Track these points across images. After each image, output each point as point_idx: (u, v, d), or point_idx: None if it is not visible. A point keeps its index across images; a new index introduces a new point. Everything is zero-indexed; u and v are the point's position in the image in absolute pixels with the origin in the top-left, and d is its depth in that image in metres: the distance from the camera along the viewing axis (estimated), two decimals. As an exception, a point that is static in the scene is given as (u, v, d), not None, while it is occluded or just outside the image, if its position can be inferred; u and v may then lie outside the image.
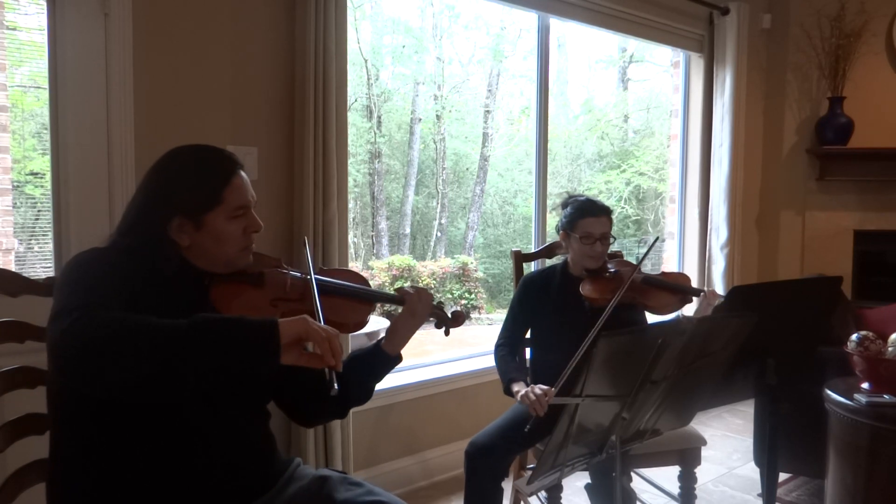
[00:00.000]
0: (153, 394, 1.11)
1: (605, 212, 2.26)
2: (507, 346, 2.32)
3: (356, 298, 1.49)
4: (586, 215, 2.24)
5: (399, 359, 1.55)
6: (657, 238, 2.45)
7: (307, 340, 1.12)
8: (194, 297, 1.34)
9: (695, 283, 4.17)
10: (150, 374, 1.06)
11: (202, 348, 1.07)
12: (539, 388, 1.97)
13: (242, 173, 1.37)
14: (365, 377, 1.53)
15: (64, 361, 1.07)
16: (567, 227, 2.28)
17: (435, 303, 1.57)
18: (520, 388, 2.08)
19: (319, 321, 1.26)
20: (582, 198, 2.31)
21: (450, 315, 1.60)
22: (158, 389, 1.09)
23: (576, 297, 2.23)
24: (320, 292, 1.41)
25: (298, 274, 1.47)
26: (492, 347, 2.37)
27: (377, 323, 6.27)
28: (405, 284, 1.59)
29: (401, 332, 1.52)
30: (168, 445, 1.26)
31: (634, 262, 2.40)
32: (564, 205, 2.34)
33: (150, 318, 1.09)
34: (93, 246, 1.33)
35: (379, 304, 1.64)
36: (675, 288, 2.29)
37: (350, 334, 2.61)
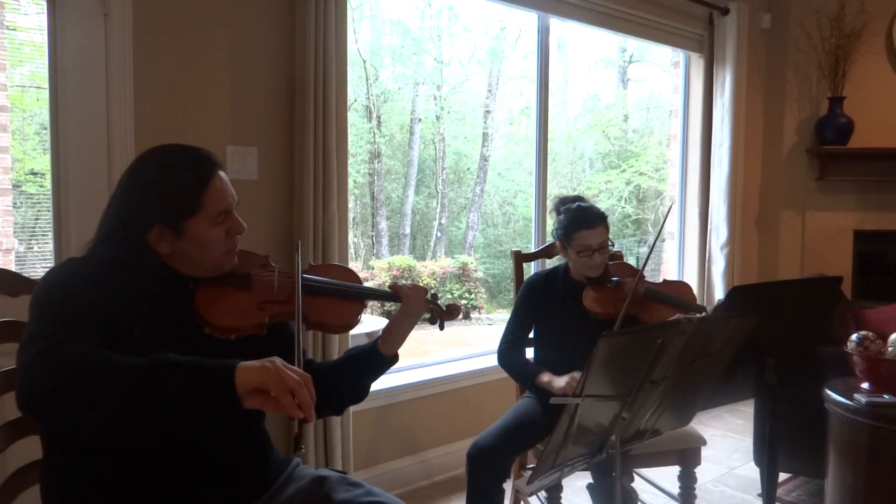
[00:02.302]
0: (113, 435, 1.07)
1: (600, 220, 2.17)
2: (512, 347, 2.30)
3: (346, 297, 1.44)
4: (581, 227, 2.15)
5: (395, 358, 1.52)
6: (656, 240, 2.41)
7: (268, 390, 1.05)
8: (179, 304, 1.30)
9: (694, 284, 4.18)
10: (108, 418, 1.02)
11: (158, 393, 1.02)
12: (571, 376, 1.98)
13: (221, 174, 1.32)
14: (360, 377, 1.52)
15: (23, 402, 1.05)
16: (563, 239, 2.21)
17: (429, 296, 1.53)
18: (551, 378, 2.07)
19: (299, 327, 1.25)
20: (574, 205, 2.22)
21: (444, 308, 1.55)
22: (117, 431, 1.05)
23: (578, 304, 2.20)
24: (308, 292, 1.37)
25: (286, 273, 1.41)
26: (492, 347, 2.36)
27: (376, 322, 6.27)
28: (399, 281, 1.51)
29: (397, 332, 1.50)
30: (161, 448, 1.24)
31: (634, 264, 2.38)
32: (557, 211, 2.27)
33: (112, 356, 1.06)
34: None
35: (379, 304, 1.63)
36: (677, 304, 2.25)
37: (350, 333, 2.62)
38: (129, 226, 1.26)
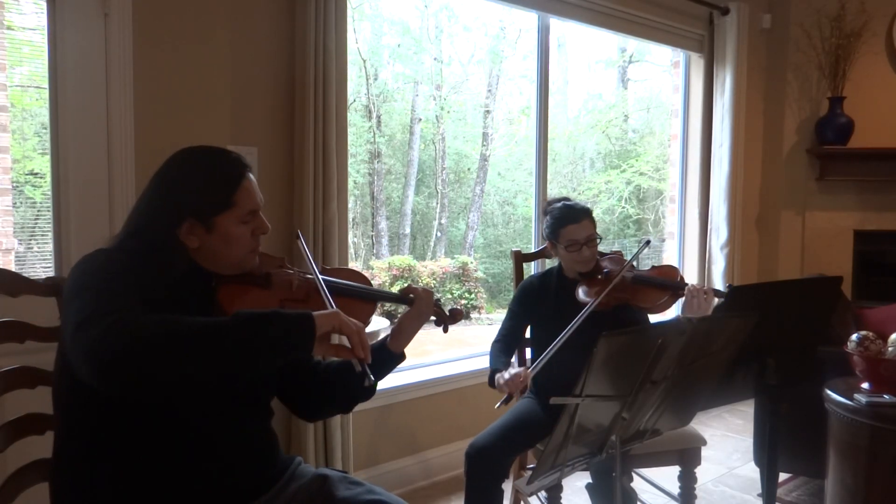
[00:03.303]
0: (196, 389, 1.19)
1: (585, 214, 2.23)
2: (503, 343, 2.33)
3: (360, 298, 1.51)
4: (567, 223, 2.21)
5: (403, 356, 1.57)
6: (647, 241, 2.43)
7: (340, 333, 1.20)
8: (203, 299, 1.35)
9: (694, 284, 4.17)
10: (196, 371, 1.10)
11: (245, 342, 1.12)
12: (509, 372, 2.03)
13: (251, 175, 1.39)
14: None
15: (105, 366, 1.06)
16: (551, 237, 2.28)
17: (434, 299, 1.59)
18: (500, 376, 2.10)
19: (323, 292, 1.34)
20: (559, 204, 2.28)
21: (448, 312, 1.63)
22: (203, 383, 1.15)
23: (572, 299, 2.23)
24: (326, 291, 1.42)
25: (304, 274, 1.48)
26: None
27: (377, 323, 6.27)
28: (406, 284, 1.65)
29: (407, 330, 1.55)
30: (171, 445, 1.27)
31: (622, 258, 2.40)
32: (545, 213, 2.33)
33: (185, 317, 1.12)
34: (95, 247, 1.33)
35: (379, 304, 1.68)
36: (662, 284, 2.27)
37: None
38: (162, 218, 1.31)
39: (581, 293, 2.22)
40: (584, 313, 2.07)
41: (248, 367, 1.15)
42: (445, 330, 1.65)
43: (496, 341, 2.34)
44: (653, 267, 2.42)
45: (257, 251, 1.41)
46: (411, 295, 1.56)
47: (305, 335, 1.16)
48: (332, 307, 1.33)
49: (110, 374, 1.07)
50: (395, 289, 1.62)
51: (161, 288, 1.26)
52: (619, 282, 2.16)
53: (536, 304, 2.33)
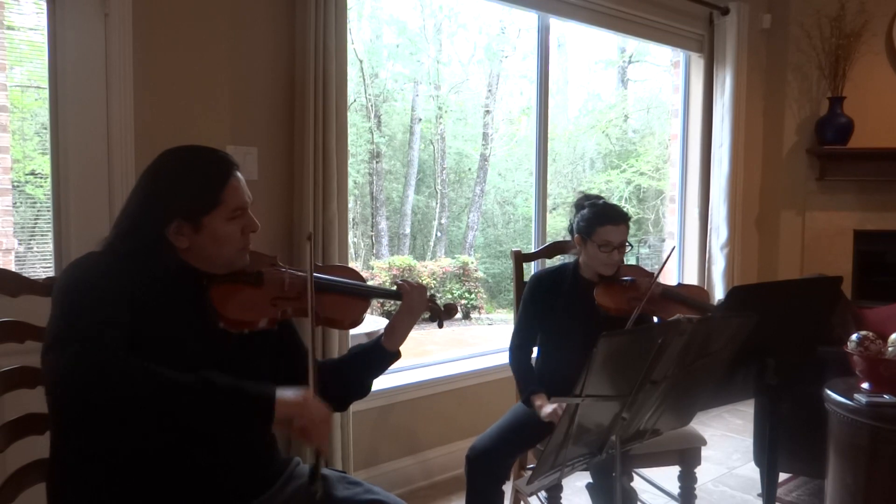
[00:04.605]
0: (146, 433, 1.21)
1: (624, 219, 2.19)
2: (524, 347, 2.29)
3: (353, 295, 1.50)
4: (606, 223, 2.16)
5: (398, 355, 1.56)
6: (673, 248, 2.42)
7: (300, 423, 1.21)
8: (193, 299, 1.34)
9: (695, 284, 4.17)
10: (150, 420, 1.14)
11: (202, 409, 1.16)
12: (550, 406, 1.99)
13: (238, 174, 1.37)
14: (364, 373, 1.55)
15: (62, 399, 1.11)
16: (584, 233, 2.21)
17: (427, 295, 1.59)
18: (542, 403, 2.07)
19: (311, 321, 1.33)
20: (600, 202, 2.23)
21: (442, 307, 1.61)
22: (154, 431, 1.19)
23: (586, 301, 2.20)
24: (318, 290, 1.42)
25: (296, 272, 1.47)
26: (491, 347, 2.36)
27: (376, 322, 6.27)
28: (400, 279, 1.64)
29: (399, 328, 1.54)
30: (168, 446, 1.27)
31: (642, 267, 2.39)
32: (580, 206, 2.26)
33: (156, 370, 1.13)
34: (90, 248, 1.33)
35: (379, 303, 1.68)
36: (694, 304, 2.23)
37: (349, 331, 2.62)
38: (150, 219, 1.31)
39: (601, 297, 2.18)
40: (633, 317, 2.00)
41: (201, 428, 1.20)
42: (441, 325, 1.62)
43: (517, 347, 2.28)
44: (680, 284, 2.41)
45: (248, 249, 1.40)
46: (402, 291, 1.54)
47: (263, 416, 1.19)
48: (313, 313, 1.34)
49: (75, 407, 1.11)
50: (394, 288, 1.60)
51: (152, 289, 1.26)
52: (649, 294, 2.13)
53: (548, 300, 2.28)
